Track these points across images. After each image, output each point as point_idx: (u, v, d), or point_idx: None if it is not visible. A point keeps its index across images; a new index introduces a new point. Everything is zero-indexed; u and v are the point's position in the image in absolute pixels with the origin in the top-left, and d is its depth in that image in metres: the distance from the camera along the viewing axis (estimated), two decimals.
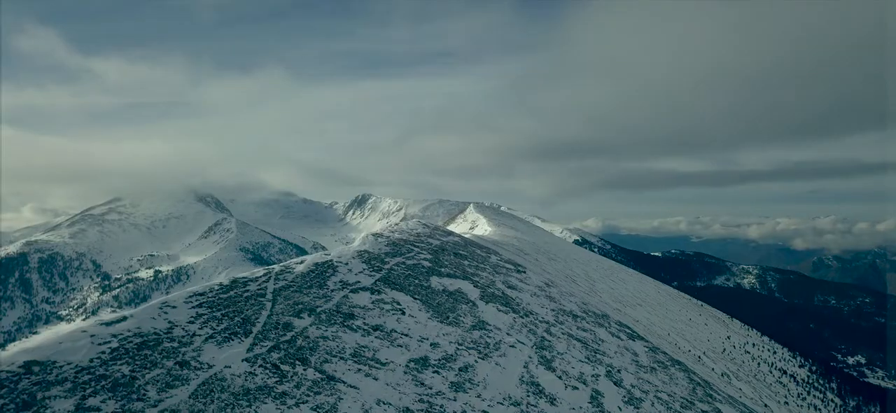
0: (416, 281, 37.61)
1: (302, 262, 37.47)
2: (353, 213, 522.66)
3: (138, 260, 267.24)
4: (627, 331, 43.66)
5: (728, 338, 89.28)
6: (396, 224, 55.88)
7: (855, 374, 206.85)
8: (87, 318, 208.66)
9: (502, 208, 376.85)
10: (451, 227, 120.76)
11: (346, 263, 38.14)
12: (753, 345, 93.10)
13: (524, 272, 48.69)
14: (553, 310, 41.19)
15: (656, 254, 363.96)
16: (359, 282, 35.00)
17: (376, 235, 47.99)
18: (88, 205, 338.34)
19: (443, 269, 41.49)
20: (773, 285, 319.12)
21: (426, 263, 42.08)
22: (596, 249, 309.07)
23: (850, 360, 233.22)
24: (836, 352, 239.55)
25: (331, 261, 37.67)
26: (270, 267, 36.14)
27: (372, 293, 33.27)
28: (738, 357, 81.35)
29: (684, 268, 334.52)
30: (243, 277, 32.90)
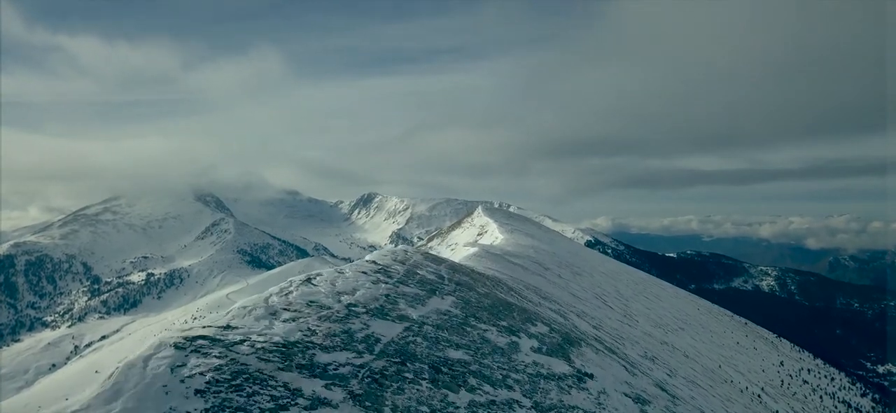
0: None
1: None
2: (359, 213, 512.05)
3: (131, 262, 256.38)
4: None
5: (781, 364, 77.00)
6: (315, 278, 23.23)
7: (886, 384, 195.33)
8: (72, 325, 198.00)
9: (512, 208, 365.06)
10: (458, 233, 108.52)
11: None
12: (809, 371, 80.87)
13: (591, 377, 21.65)
14: None
15: (671, 254, 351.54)
16: None
17: (191, 355, 14.68)
18: (86, 204, 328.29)
19: None
20: (793, 288, 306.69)
21: None
22: (609, 251, 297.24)
23: (881, 369, 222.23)
24: (865, 360, 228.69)
25: None
26: None
27: None
28: (798, 390, 69.22)
29: (700, 269, 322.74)
30: None
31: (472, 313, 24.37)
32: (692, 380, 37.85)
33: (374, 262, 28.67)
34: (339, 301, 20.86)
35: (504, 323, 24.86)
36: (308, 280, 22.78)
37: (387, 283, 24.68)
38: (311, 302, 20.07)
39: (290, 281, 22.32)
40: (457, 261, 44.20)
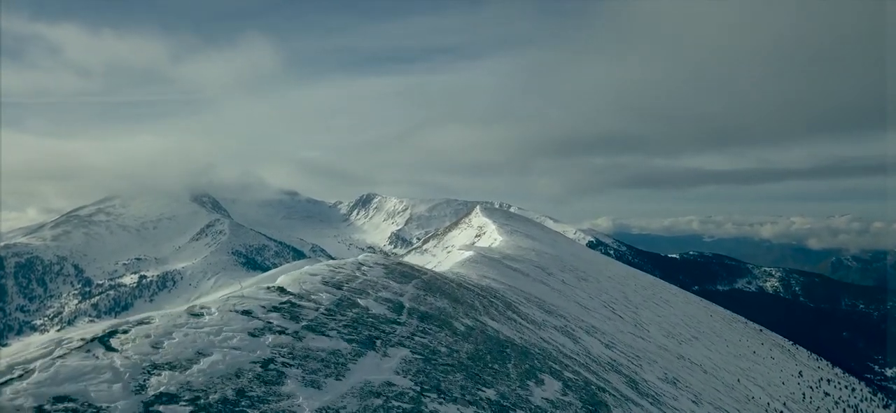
0: None
1: None
2: (358, 213, 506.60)
3: (124, 264, 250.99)
4: None
5: (800, 374, 72.26)
6: (126, 331, 10.11)
7: (895, 388, 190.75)
8: (62, 328, 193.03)
9: (512, 209, 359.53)
10: (455, 234, 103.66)
11: None
12: (828, 381, 76.14)
13: None
14: None
15: (674, 255, 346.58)
16: None
17: None
18: (83, 204, 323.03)
19: None
20: (797, 289, 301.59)
21: None
22: (611, 252, 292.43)
23: (889, 372, 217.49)
24: (873, 362, 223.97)
25: None
26: None
27: None
28: (820, 403, 64.52)
29: (703, 270, 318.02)
30: None
31: (435, 381, 12.62)
32: (718, 405, 33.01)
33: (280, 289, 15.41)
34: (142, 387, 8.47)
35: (490, 392, 13.45)
36: (104, 338, 9.65)
37: (282, 332, 12.17)
38: (57, 401, 7.47)
39: (51, 341, 9.30)
40: (447, 268, 39.19)
